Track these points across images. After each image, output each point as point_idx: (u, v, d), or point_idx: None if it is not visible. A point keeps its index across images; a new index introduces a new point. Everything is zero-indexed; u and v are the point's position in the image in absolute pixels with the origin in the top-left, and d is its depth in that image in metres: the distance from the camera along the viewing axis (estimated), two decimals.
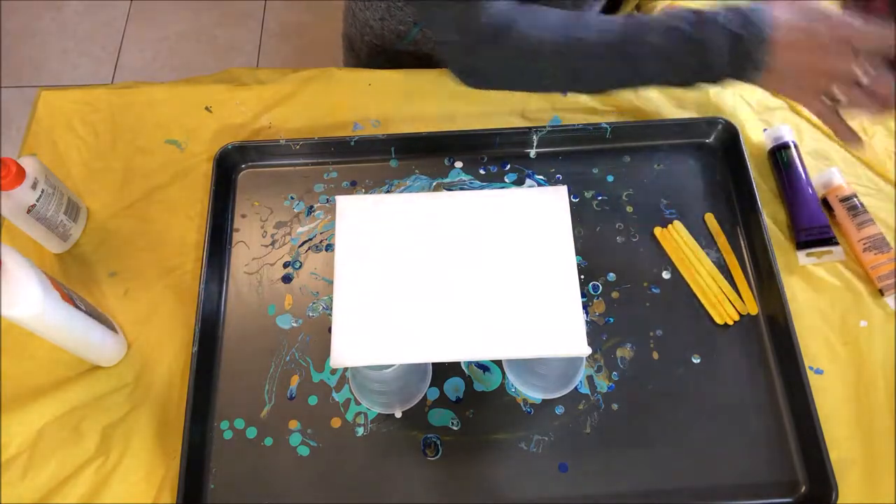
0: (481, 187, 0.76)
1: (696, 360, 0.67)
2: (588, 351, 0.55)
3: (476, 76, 0.72)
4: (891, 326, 0.69)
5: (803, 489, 0.62)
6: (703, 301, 0.70)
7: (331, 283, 0.69)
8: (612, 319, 0.69)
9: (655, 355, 0.67)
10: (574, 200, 0.75)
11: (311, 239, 0.74)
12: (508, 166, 0.77)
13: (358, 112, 0.81)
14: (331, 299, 0.68)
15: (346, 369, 0.67)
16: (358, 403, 0.66)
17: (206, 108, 0.82)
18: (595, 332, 0.69)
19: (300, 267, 0.72)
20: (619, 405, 0.65)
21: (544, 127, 0.76)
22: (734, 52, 0.61)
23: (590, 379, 0.67)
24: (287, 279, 0.72)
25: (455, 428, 0.65)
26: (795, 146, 0.75)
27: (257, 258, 0.73)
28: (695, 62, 0.63)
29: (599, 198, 0.75)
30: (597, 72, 0.67)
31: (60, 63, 1.77)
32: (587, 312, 0.69)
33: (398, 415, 0.65)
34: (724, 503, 0.62)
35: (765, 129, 0.79)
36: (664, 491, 0.62)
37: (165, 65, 1.77)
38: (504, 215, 0.61)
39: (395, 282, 0.59)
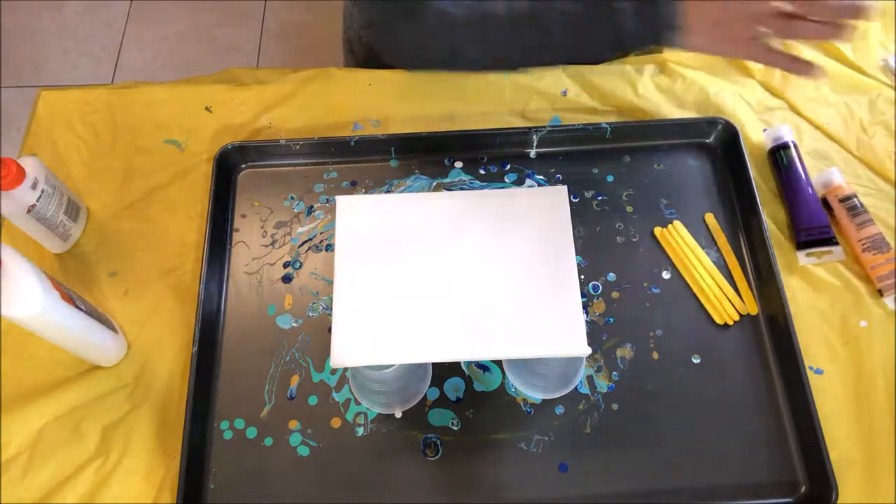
0: (481, 187, 0.76)
1: (696, 360, 0.67)
2: (588, 351, 0.55)
3: (398, 55, 0.71)
4: (891, 326, 0.69)
5: (803, 489, 0.62)
6: (703, 301, 0.70)
7: (331, 283, 0.69)
8: (612, 319, 0.69)
9: (655, 355, 0.67)
10: (574, 200, 0.75)
11: (311, 239, 0.74)
12: (508, 166, 0.77)
13: (358, 112, 0.81)
14: (331, 299, 0.68)
15: (346, 369, 0.67)
16: (358, 403, 0.66)
17: (206, 108, 0.82)
18: (595, 332, 0.69)
19: (300, 267, 0.72)
20: (619, 405, 0.65)
21: (544, 127, 0.76)
22: (644, 12, 0.60)
23: (590, 379, 0.67)
24: (287, 279, 0.72)
25: (455, 428, 0.65)
26: (795, 146, 0.75)
27: (257, 258, 0.73)
28: (605, 27, 0.62)
29: (599, 198, 0.75)
30: (508, 42, 0.66)
31: (60, 63, 1.77)
32: (587, 312, 0.69)
33: (398, 415, 0.65)
34: (724, 503, 0.62)
35: (765, 129, 0.79)
36: (664, 491, 0.62)
37: (165, 65, 1.77)
38: (504, 215, 0.61)
39: (394, 282, 0.59)
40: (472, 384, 0.66)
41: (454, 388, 0.66)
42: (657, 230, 0.73)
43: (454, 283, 0.58)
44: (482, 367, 0.67)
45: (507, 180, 0.76)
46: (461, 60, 0.73)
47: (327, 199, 0.76)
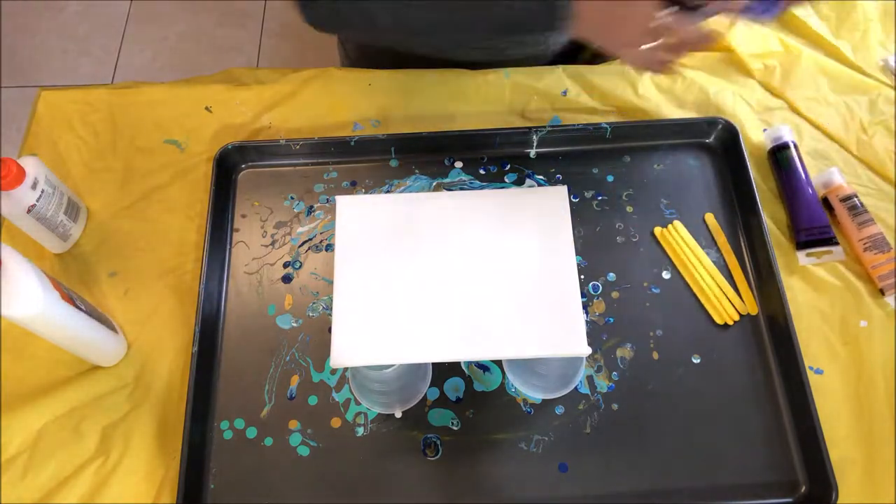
0: (481, 187, 0.76)
1: (696, 360, 0.67)
2: (588, 351, 0.55)
3: (312, 15, 0.70)
4: (891, 326, 0.69)
5: (803, 489, 0.62)
6: (703, 301, 0.70)
7: (331, 283, 0.69)
8: (612, 319, 0.69)
9: (655, 355, 0.67)
10: (574, 200, 0.75)
11: (311, 239, 0.74)
12: (508, 166, 0.77)
13: (358, 112, 0.81)
14: (331, 299, 0.68)
15: (346, 369, 0.67)
16: (358, 403, 0.66)
17: (206, 108, 0.82)
18: (595, 332, 0.69)
19: (300, 267, 0.72)
20: (619, 405, 0.65)
21: (544, 127, 0.76)
22: None
23: (590, 379, 0.67)
24: (287, 279, 0.72)
25: (455, 428, 0.65)
26: (795, 146, 0.75)
27: (257, 258, 0.73)
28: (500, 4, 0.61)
29: (599, 198, 0.75)
30: (417, 15, 0.65)
31: (60, 63, 1.77)
32: (587, 312, 0.69)
33: (398, 415, 0.65)
34: (724, 503, 0.62)
35: (765, 129, 0.79)
36: (664, 491, 0.62)
37: (165, 65, 1.77)
38: (504, 215, 0.61)
39: (394, 282, 0.59)
40: (472, 384, 0.66)
41: (454, 388, 0.66)
42: (657, 230, 0.73)
43: (454, 282, 0.59)
44: (482, 367, 0.67)
45: (507, 180, 0.76)
46: (376, 31, 0.73)
47: (327, 199, 0.76)
